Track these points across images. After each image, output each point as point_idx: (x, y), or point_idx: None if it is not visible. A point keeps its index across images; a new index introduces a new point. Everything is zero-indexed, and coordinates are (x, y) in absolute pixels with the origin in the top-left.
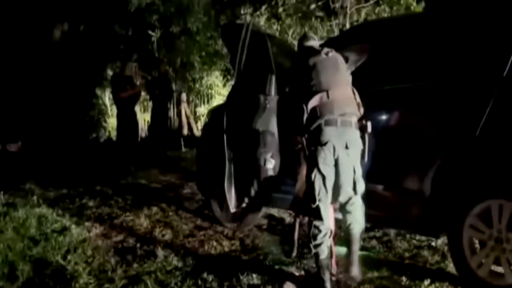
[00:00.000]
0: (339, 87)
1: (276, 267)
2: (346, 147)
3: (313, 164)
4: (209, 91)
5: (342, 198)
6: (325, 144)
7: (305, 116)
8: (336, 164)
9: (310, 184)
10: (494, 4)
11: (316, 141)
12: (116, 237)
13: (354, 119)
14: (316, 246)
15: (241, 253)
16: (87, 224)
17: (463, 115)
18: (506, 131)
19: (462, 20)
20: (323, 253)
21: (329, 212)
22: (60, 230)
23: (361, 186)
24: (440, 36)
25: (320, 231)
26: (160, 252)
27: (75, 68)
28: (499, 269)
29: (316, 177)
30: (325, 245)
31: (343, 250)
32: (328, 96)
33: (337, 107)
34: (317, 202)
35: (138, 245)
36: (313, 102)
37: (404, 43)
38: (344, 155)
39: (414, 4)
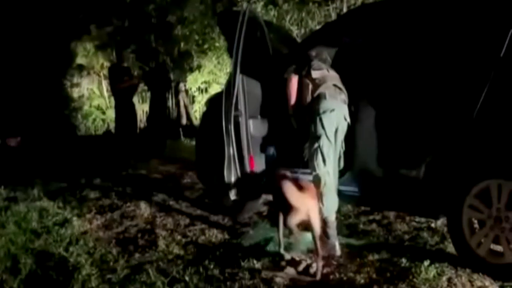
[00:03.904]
0: (333, 70)
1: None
2: (345, 119)
3: (320, 131)
4: (207, 79)
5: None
6: (332, 110)
7: (310, 86)
8: (334, 134)
9: (316, 151)
10: None
11: (323, 108)
12: (117, 228)
13: (346, 98)
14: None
15: (242, 240)
16: (88, 216)
17: (461, 96)
18: (504, 111)
19: (459, 1)
20: (332, 216)
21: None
22: (61, 222)
23: (342, 163)
24: (437, 18)
25: (330, 194)
26: (161, 242)
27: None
28: (499, 248)
29: (324, 144)
30: (334, 208)
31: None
32: (328, 71)
33: (335, 81)
34: (326, 166)
35: (139, 235)
36: (317, 74)
37: (401, 26)
38: (341, 127)
39: None
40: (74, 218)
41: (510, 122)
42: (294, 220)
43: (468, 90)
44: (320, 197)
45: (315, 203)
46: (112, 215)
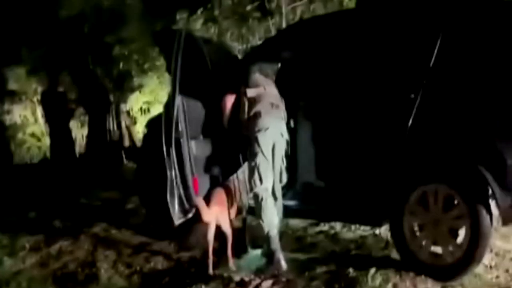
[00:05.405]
0: (271, 86)
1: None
2: (282, 135)
3: (256, 149)
4: (149, 99)
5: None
6: (267, 129)
7: (246, 104)
8: (272, 151)
9: (253, 169)
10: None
11: (259, 126)
12: (54, 264)
13: (284, 114)
14: (268, 224)
15: (189, 265)
16: (21, 254)
17: (395, 107)
18: (435, 119)
19: (391, 14)
20: (273, 231)
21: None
22: None
23: (285, 178)
24: (370, 30)
25: (269, 209)
26: (104, 274)
27: None
28: (438, 250)
29: (261, 162)
30: (275, 223)
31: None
32: (265, 89)
33: (272, 98)
34: (264, 183)
35: (79, 270)
36: (252, 93)
37: (337, 39)
38: (279, 143)
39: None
40: (5, 258)
41: (442, 130)
42: (209, 233)
43: (401, 101)
44: (259, 212)
45: (224, 209)
46: (48, 251)
